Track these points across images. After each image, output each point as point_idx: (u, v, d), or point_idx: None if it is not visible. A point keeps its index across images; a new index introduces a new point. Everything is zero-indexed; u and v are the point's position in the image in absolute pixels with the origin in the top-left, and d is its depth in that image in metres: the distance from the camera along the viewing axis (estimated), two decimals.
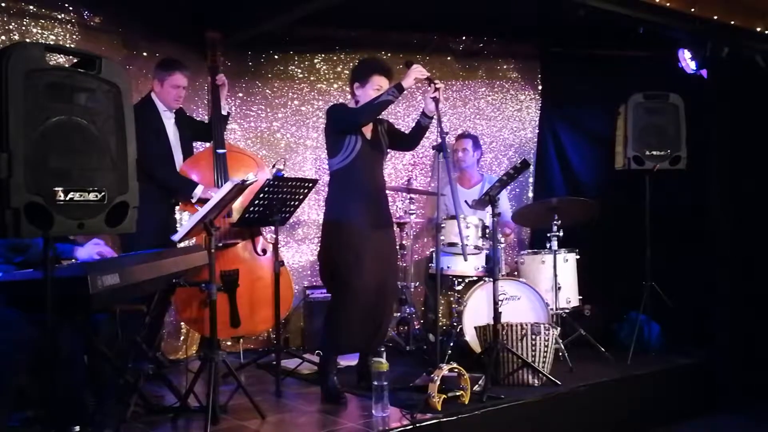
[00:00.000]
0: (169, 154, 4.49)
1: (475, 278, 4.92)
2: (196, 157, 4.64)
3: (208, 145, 4.84)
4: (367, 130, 4.06)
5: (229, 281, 4.38)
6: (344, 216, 3.94)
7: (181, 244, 3.78)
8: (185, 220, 4.68)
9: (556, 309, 4.81)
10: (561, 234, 4.88)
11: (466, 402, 3.67)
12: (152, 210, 4.02)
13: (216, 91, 4.72)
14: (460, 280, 4.98)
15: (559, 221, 4.86)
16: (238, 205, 4.34)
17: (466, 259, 4.26)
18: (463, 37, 6.17)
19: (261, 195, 3.98)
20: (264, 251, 4.59)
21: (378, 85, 3.96)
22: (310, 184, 4.20)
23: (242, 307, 4.41)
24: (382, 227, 4.06)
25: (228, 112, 4.88)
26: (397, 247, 4.54)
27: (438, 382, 3.56)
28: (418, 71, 3.87)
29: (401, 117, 6.01)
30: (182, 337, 5.14)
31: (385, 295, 4.02)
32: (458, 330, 4.68)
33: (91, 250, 3.19)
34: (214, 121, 4.66)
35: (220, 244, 4.34)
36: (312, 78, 5.84)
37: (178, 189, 4.44)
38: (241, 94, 5.63)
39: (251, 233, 4.59)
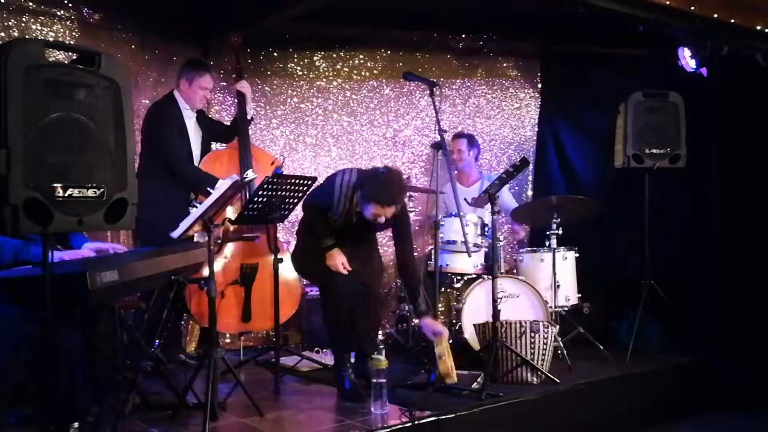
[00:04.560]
0: (191, 152, 4.57)
1: (474, 276, 4.92)
2: (216, 153, 4.75)
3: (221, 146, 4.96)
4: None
5: (247, 275, 4.44)
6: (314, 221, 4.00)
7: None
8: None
9: (555, 307, 4.81)
10: (560, 232, 4.88)
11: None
12: (171, 207, 4.09)
13: (243, 96, 4.80)
14: (459, 277, 4.98)
15: (559, 219, 4.86)
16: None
17: (470, 255, 4.24)
18: (463, 35, 6.16)
19: (260, 192, 3.98)
20: (277, 249, 4.64)
21: (373, 214, 3.76)
22: (309, 182, 4.20)
23: (254, 302, 4.55)
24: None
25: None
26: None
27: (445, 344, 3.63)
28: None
29: (401, 115, 6.01)
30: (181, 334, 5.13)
31: (366, 291, 4.00)
32: (457, 327, 4.68)
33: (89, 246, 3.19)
34: (241, 121, 4.75)
35: (216, 240, 4.38)
36: (311, 75, 5.84)
37: (201, 185, 4.43)
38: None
39: (267, 229, 4.64)
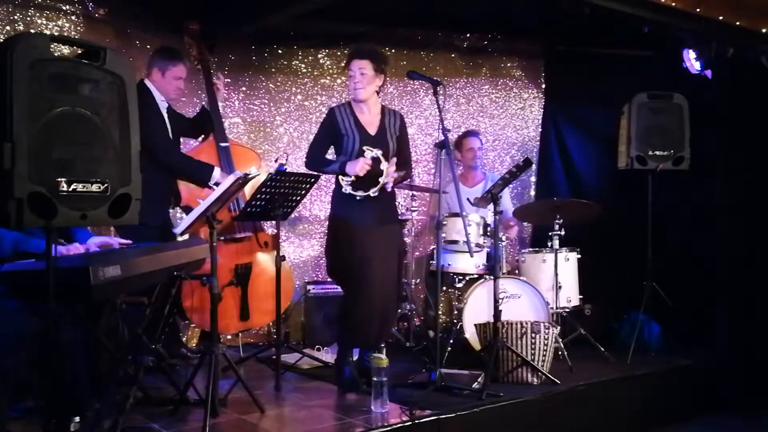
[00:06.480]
0: (171, 141, 4.38)
1: (475, 276, 4.92)
2: (196, 150, 4.64)
3: (193, 142, 4.86)
4: (371, 126, 4.05)
5: (242, 275, 4.44)
6: (351, 213, 3.96)
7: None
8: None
9: (557, 308, 4.81)
10: (562, 233, 4.87)
11: None
12: (153, 206, 4.04)
13: (212, 88, 4.66)
14: (460, 277, 4.98)
15: (561, 220, 4.86)
16: None
17: (472, 256, 4.26)
18: (468, 35, 6.16)
19: (263, 189, 3.98)
20: (266, 244, 4.63)
21: (351, 70, 3.96)
22: (313, 180, 4.20)
23: (251, 299, 4.54)
24: (387, 223, 4.06)
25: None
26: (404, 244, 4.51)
27: None
28: (364, 164, 3.88)
29: (405, 114, 5.96)
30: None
31: (390, 291, 4.02)
32: (458, 327, 4.68)
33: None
34: (214, 115, 4.63)
35: (222, 238, 4.38)
36: (316, 73, 5.83)
37: (194, 172, 4.32)
38: (244, 88, 5.62)
39: (255, 226, 4.62)
